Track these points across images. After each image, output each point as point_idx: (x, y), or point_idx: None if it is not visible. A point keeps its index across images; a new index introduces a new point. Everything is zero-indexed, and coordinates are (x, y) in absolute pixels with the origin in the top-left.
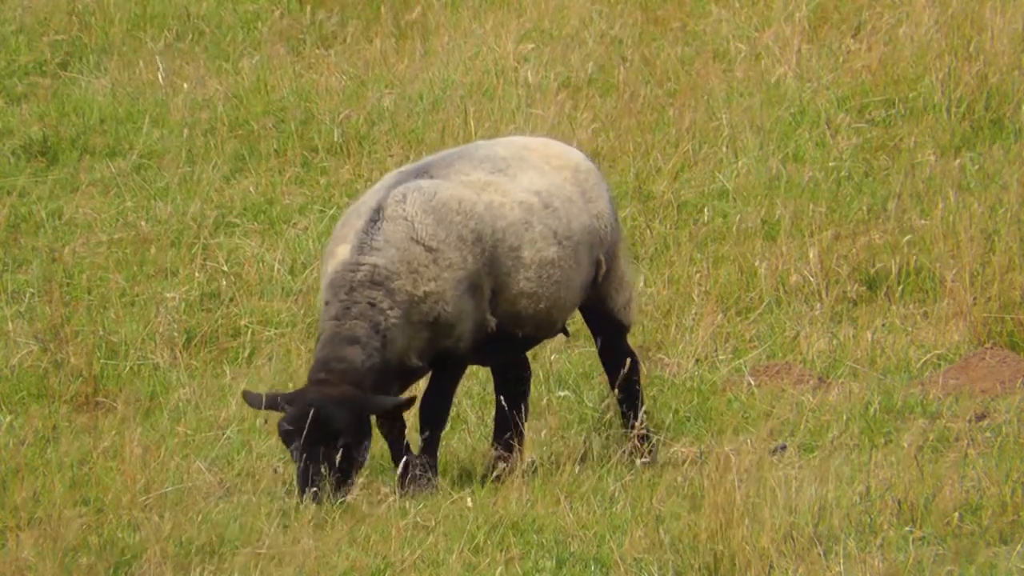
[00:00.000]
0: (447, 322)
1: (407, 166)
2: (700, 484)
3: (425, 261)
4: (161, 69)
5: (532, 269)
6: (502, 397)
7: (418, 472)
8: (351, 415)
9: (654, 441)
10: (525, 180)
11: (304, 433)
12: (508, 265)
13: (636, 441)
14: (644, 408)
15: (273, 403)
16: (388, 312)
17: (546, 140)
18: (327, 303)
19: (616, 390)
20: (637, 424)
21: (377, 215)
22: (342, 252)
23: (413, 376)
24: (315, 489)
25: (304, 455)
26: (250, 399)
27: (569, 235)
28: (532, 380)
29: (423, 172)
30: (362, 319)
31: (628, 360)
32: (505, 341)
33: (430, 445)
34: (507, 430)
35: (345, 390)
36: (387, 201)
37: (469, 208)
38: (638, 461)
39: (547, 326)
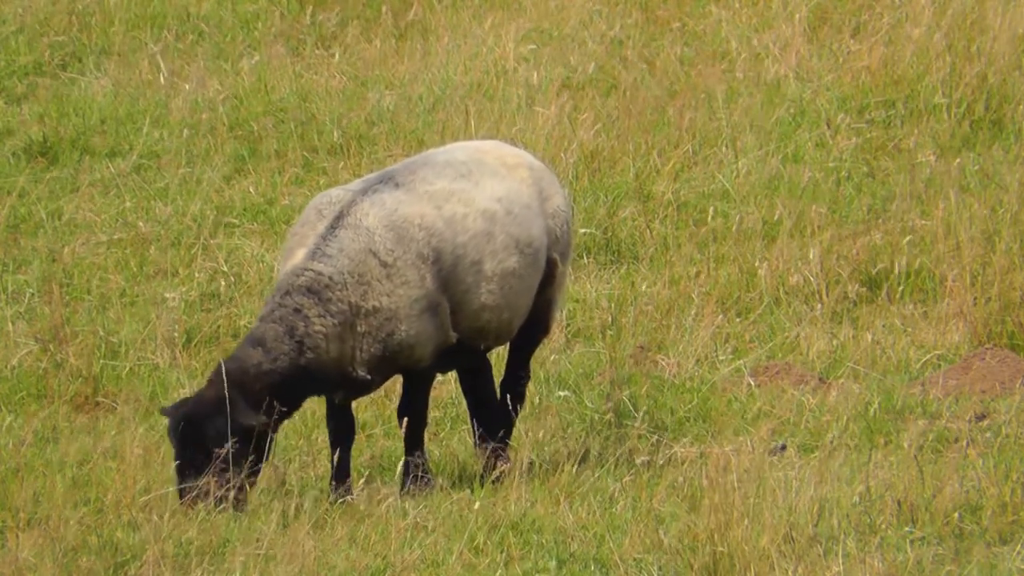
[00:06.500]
0: (405, 343)
1: (370, 174)
2: (700, 484)
3: (379, 275)
4: (161, 69)
5: (494, 282)
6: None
7: (419, 473)
8: (217, 423)
9: (508, 457)
10: (488, 187)
11: (177, 447)
12: (468, 281)
13: (493, 455)
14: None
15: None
16: (314, 320)
17: (496, 142)
18: (266, 302)
19: (508, 396)
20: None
21: (338, 222)
22: (299, 256)
23: (364, 388)
24: (195, 496)
25: (179, 465)
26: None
27: (530, 242)
28: (532, 380)
29: (387, 179)
30: (280, 323)
31: (528, 369)
32: (465, 351)
33: (417, 445)
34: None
35: (215, 396)
36: (350, 209)
37: (430, 224)
38: (495, 473)
39: (506, 334)
